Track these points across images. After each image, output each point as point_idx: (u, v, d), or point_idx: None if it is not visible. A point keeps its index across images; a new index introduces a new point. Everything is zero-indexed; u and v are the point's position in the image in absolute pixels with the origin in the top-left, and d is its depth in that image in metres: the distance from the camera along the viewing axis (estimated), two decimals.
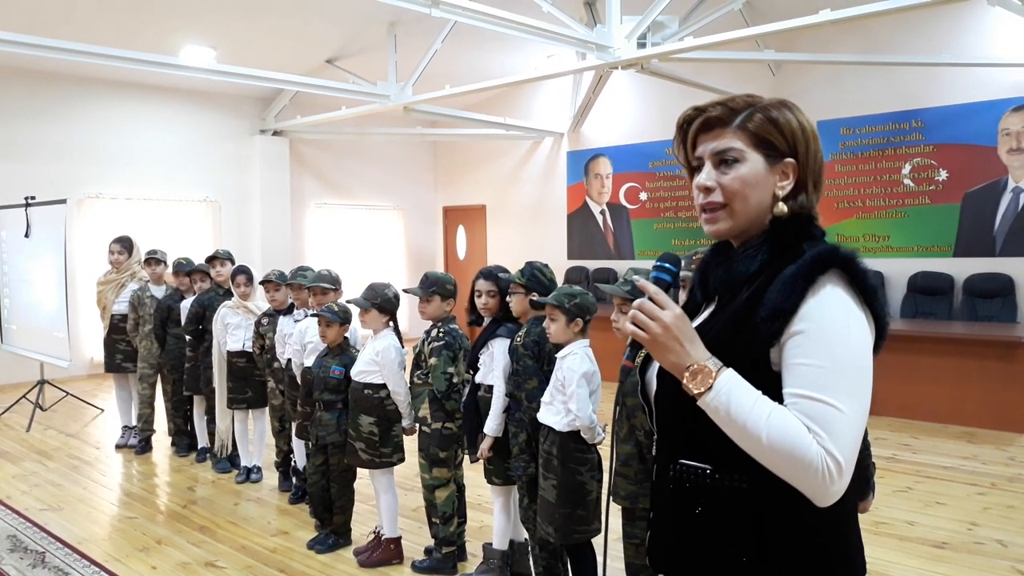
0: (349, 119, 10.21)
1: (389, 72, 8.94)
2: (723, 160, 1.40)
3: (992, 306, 7.80)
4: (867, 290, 1.32)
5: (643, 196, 10.72)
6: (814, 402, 1.25)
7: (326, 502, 4.25)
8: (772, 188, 1.40)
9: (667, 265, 1.48)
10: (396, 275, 12.22)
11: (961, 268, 8.09)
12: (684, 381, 1.32)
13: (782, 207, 1.39)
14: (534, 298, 3.37)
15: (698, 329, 1.38)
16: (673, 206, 10.39)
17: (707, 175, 1.42)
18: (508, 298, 3.53)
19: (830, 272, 1.31)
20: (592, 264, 11.21)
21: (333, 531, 4.22)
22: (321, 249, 11.70)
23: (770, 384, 1.30)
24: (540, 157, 11.99)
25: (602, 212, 11.21)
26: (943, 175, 8.21)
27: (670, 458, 1.44)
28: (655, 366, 1.48)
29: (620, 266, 10.78)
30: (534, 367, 3.34)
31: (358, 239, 12.27)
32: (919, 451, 5.94)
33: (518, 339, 3.42)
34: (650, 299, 1.36)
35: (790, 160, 1.40)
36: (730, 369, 1.31)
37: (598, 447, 3.17)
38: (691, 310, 1.53)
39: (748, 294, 1.37)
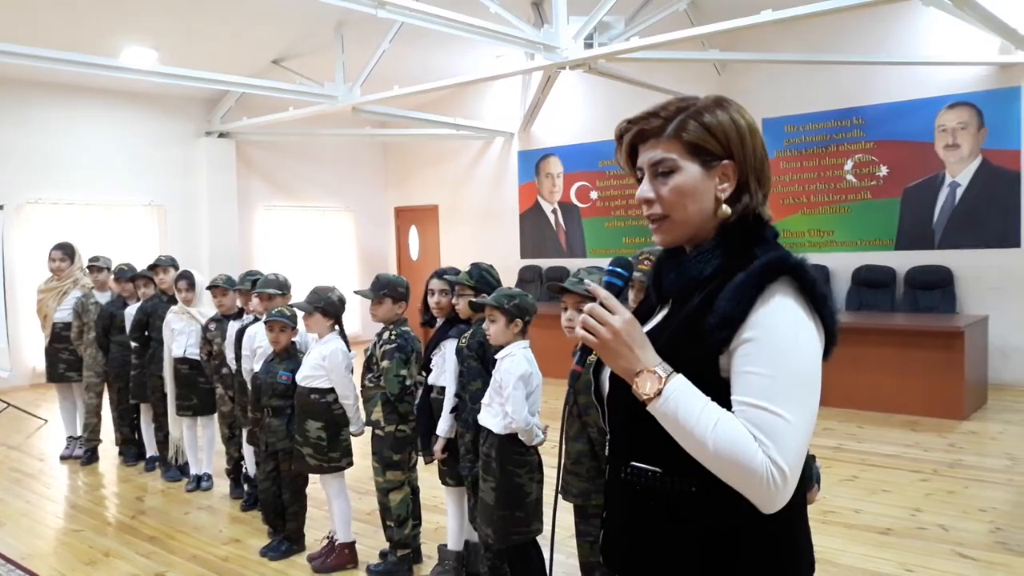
0: (297, 120, 10.07)
1: (336, 73, 8.86)
2: (659, 171, 1.40)
3: (932, 297, 8.04)
4: (817, 298, 1.32)
5: (594, 195, 10.81)
6: (761, 411, 1.26)
7: (278, 509, 4.20)
8: (713, 192, 1.39)
9: (619, 270, 1.48)
10: (348, 277, 12.12)
11: (902, 261, 8.33)
12: (634, 386, 1.33)
13: (725, 209, 1.39)
14: (473, 299, 3.37)
15: (650, 333, 1.39)
16: (623, 204, 10.49)
17: (645, 186, 1.42)
18: (454, 300, 3.53)
19: (780, 280, 1.31)
20: (545, 263, 11.26)
21: (286, 537, 4.18)
22: (271, 253, 11.53)
23: (720, 391, 1.30)
24: (491, 157, 12.00)
25: (554, 211, 11.27)
26: (883, 171, 8.43)
27: (622, 460, 1.45)
28: (609, 368, 1.49)
29: (573, 264, 10.83)
30: (478, 368, 3.34)
31: (308, 242, 12.13)
32: (864, 440, 6.08)
33: (463, 340, 3.42)
34: (601, 304, 1.36)
35: (727, 162, 1.39)
36: (680, 375, 1.31)
37: (539, 448, 3.17)
38: (645, 312, 1.54)
39: (700, 299, 1.37)
